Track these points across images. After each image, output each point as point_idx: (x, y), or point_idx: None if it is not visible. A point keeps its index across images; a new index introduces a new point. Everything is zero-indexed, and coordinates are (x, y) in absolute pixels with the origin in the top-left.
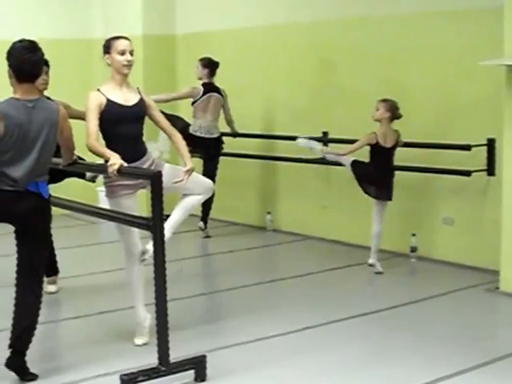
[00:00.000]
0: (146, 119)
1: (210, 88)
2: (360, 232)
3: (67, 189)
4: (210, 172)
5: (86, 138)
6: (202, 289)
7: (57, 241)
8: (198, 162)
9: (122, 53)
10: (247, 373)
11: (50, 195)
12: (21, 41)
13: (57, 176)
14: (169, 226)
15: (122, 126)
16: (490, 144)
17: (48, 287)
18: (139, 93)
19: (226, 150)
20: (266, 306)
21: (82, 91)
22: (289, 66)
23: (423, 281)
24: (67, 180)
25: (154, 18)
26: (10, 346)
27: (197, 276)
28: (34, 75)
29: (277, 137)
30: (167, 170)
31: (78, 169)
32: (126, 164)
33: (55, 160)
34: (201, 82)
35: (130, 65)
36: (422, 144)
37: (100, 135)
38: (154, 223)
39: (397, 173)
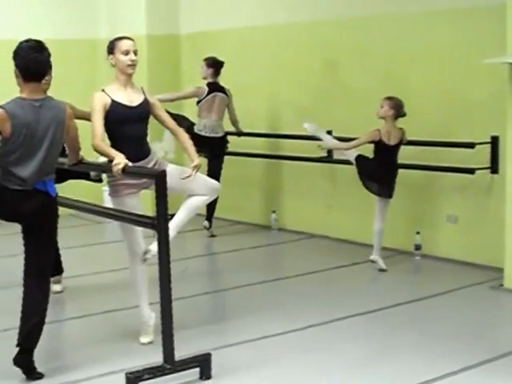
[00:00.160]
0: (151, 119)
1: (214, 87)
2: (364, 230)
3: (73, 189)
4: (214, 171)
5: (92, 139)
6: (207, 287)
7: (62, 240)
8: (203, 162)
9: (126, 53)
10: (251, 371)
11: (57, 194)
12: (27, 40)
13: (62, 176)
14: (173, 226)
15: (127, 127)
16: (494, 142)
17: (53, 286)
18: (143, 93)
19: (230, 149)
20: (271, 304)
21: (86, 91)
22: (293, 66)
23: (427, 278)
24: (72, 180)
25: (158, 17)
26: (18, 345)
27: (201, 275)
28: (40, 75)
29: (281, 136)
30: (171, 171)
31: (82, 168)
32: (130, 163)
33: (60, 160)
34: (205, 81)
35: (134, 65)
36: (426, 142)
37: (105, 135)
38: (158, 222)
39: (401, 171)
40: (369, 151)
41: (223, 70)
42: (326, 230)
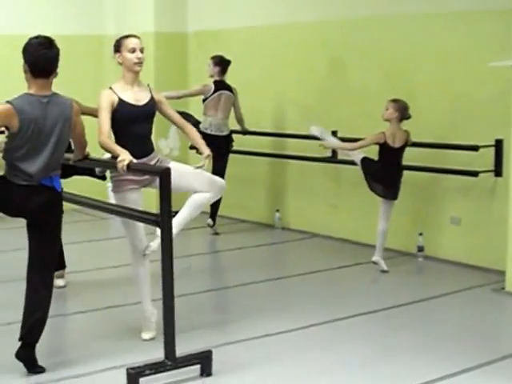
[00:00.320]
0: (158, 115)
1: (220, 86)
2: (368, 231)
3: (77, 184)
4: (219, 170)
5: (98, 136)
6: (210, 285)
7: (66, 235)
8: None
9: (133, 51)
10: (252, 368)
11: (62, 189)
12: (37, 37)
13: (67, 171)
14: (176, 223)
15: (133, 125)
16: (498, 145)
17: (56, 281)
18: (150, 91)
19: (235, 147)
20: (273, 303)
21: (93, 88)
22: (298, 65)
23: (429, 280)
24: (77, 176)
25: (166, 15)
26: (21, 339)
27: (204, 272)
28: (48, 71)
29: (286, 135)
30: (174, 169)
31: (87, 164)
32: (135, 160)
33: (66, 155)
34: (212, 79)
35: (140, 62)
36: (430, 144)
37: (111, 132)
38: (162, 219)
39: (405, 172)
40: (374, 153)
41: (230, 69)
42: (329, 229)
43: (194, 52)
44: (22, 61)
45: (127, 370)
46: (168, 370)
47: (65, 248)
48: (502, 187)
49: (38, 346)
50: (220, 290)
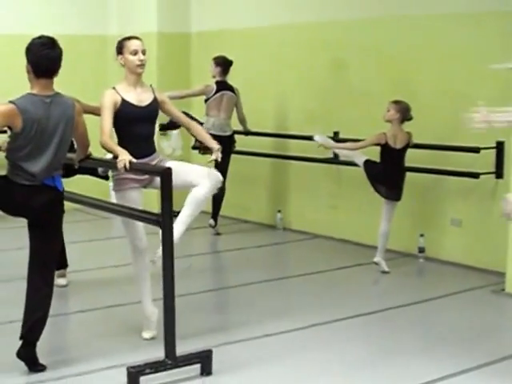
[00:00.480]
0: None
1: (223, 86)
2: (369, 232)
3: (80, 184)
4: (221, 170)
5: (100, 135)
6: (211, 285)
7: (68, 235)
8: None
9: (135, 53)
10: (252, 368)
11: (64, 189)
12: (39, 37)
13: (70, 171)
14: (180, 222)
15: (135, 126)
16: (499, 147)
17: (57, 280)
18: (153, 91)
19: (237, 147)
20: (273, 303)
21: (96, 87)
22: (301, 66)
23: (430, 281)
24: (80, 175)
25: (169, 15)
26: (22, 337)
27: (205, 272)
28: (51, 71)
29: (288, 136)
30: (172, 166)
31: (89, 164)
32: (134, 160)
33: (68, 155)
34: (214, 80)
35: (142, 64)
36: (432, 145)
37: (113, 132)
38: (163, 219)
39: (406, 173)
40: (376, 155)
41: (232, 69)
42: (330, 230)
43: (197, 52)
44: (24, 61)
45: (128, 368)
46: (168, 369)
47: (67, 247)
48: (503, 189)
49: (39, 344)
50: (221, 290)
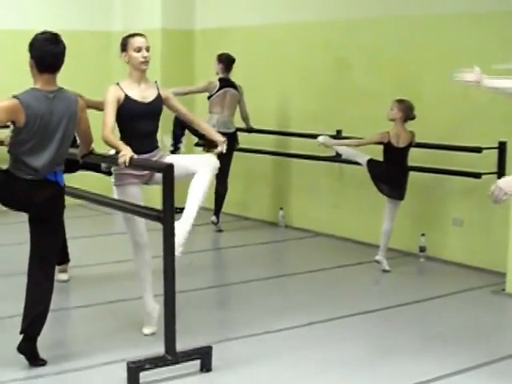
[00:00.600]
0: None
1: (226, 83)
2: (370, 230)
3: (82, 179)
4: (223, 167)
5: (102, 130)
6: (212, 282)
7: (70, 230)
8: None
9: (138, 50)
10: (252, 365)
11: (65, 184)
12: (43, 33)
13: (73, 166)
14: (189, 213)
15: (138, 122)
16: (501, 147)
17: (59, 275)
18: (157, 88)
19: (240, 145)
20: (274, 300)
21: (101, 82)
22: (303, 64)
23: (430, 281)
24: (82, 171)
25: (173, 12)
26: (22, 332)
27: (207, 269)
28: (55, 67)
29: (290, 134)
30: (172, 159)
31: (91, 159)
32: (136, 156)
33: (71, 150)
34: (218, 76)
35: (146, 61)
36: (434, 145)
37: (116, 128)
38: (164, 215)
39: (409, 173)
40: (379, 154)
41: (236, 66)
42: (332, 228)
43: (201, 49)
44: (28, 56)
45: (128, 363)
46: (168, 364)
47: (69, 242)
48: None
49: (39, 339)
50: (222, 287)
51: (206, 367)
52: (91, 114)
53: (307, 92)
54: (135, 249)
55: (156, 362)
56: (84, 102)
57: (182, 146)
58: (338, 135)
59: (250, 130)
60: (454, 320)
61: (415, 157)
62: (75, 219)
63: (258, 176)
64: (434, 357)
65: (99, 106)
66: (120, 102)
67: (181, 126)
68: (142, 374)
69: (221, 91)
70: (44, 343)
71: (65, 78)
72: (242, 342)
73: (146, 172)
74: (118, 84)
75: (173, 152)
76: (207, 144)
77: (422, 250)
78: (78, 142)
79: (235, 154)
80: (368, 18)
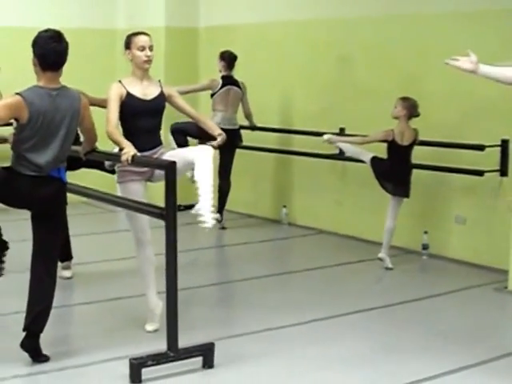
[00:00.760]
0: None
1: (228, 81)
2: (373, 228)
3: (86, 177)
4: (227, 163)
5: (106, 125)
6: (215, 279)
7: (74, 228)
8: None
9: (142, 48)
10: (254, 362)
11: (67, 180)
12: (46, 30)
13: (76, 164)
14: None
15: (140, 119)
16: (504, 145)
17: (63, 272)
18: (160, 86)
19: (243, 142)
20: (276, 297)
21: (104, 81)
22: (307, 62)
23: (432, 278)
24: (85, 169)
25: (177, 9)
26: (25, 329)
27: (210, 266)
28: (58, 64)
29: (294, 131)
30: (172, 154)
31: (94, 157)
32: (138, 153)
33: (74, 147)
34: (220, 74)
35: (149, 60)
36: (437, 143)
37: (119, 125)
38: (167, 212)
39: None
40: (383, 152)
41: (240, 64)
42: (335, 226)
43: (205, 47)
44: (31, 54)
45: (130, 360)
46: (170, 361)
47: (72, 240)
48: (507, 187)
49: (42, 335)
50: (225, 284)
51: (207, 364)
52: (94, 111)
53: (310, 90)
54: (138, 246)
55: (158, 359)
56: (87, 99)
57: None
58: (341, 133)
59: (253, 128)
60: (455, 318)
61: (418, 154)
62: (79, 217)
63: (262, 174)
64: (436, 354)
65: (102, 104)
66: (122, 99)
67: (183, 134)
68: (144, 371)
69: (224, 89)
70: (47, 340)
71: (69, 76)
72: (245, 339)
73: (147, 169)
74: (120, 81)
75: None
76: (205, 137)
77: (425, 247)
78: (82, 139)
79: (239, 151)
80: (371, 17)
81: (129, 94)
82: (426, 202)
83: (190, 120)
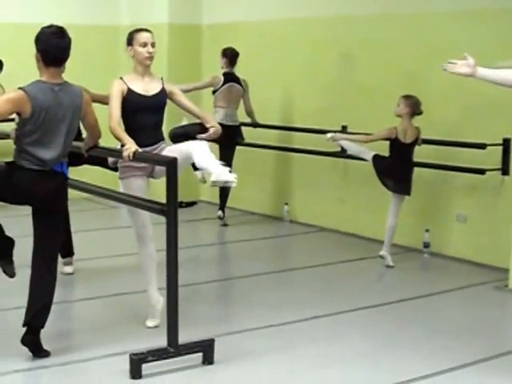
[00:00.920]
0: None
1: (230, 78)
2: (375, 226)
3: (87, 173)
4: (228, 158)
5: (109, 121)
6: (216, 275)
7: (76, 224)
8: (215, 149)
9: (144, 45)
10: (254, 358)
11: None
12: (49, 26)
13: (78, 160)
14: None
15: (140, 115)
16: (506, 144)
17: (64, 268)
18: (162, 82)
19: (244, 140)
20: (277, 294)
21: (107, 77)
22: (310, 60)
23: (433, 276)
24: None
25: (181, 6)
26: (26, 324)
27: (212, 263)
28: (61, 60)
29: (297, 129)
30: (171, 149)
31: (95, 153)
32: (140, 149)
33: (76, 143)
34: (222, 71)
35: (151, 56)
36: (438, 141)
37: (121, 121)
38: (168, 208)
39: (414, 168)
40: (385, 150)
41: (242, 62)
42: (336, 223)
43: (208, 44)
44: (34, 50)
45: (130, 355)
46: (170, 356)
47: (74, 236)
48: (509, 186)
49: (44, 330)
50: (225, 281)
51: (208, 360)
52: (96, 108)
53: (313, 87)
54: (139, 242)
55: (158, 354)
56: (89, 95)
57: None
58: (343, 131)
59: (255, 125)
60: (456, 316)
61: (420, 153)
62: (81, 213)
63: (264, 171)
64: (436, 352)
65: (104, 100)
66: (123, 95)
67: (184, 137)
68: (144, 366)
69: (225, 86)
70: (48, 334)
71: (72, 73)
72: (245, 335)
73: (144, 164)
74: (121, 78)
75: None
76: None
77: (426, 245)
78: (84, 135)
79: (241, 149)
80: (372, 15)
81: (130, 91)
82: (427, 200)
83: (186, 123)
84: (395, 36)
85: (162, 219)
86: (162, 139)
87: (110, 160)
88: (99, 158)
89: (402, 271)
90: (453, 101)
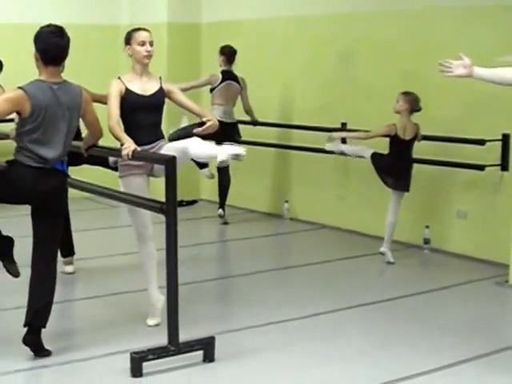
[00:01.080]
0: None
1: (228, 76)
2: (375, 223)
3: (88, 172)
4: None
5: (108, 120)
6: (216, 273)
7: (77, 223)
8: None
9: (142, 44)
10: (255, 356)
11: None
12: (48, 26)
13: (75, 160)
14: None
15: (138, 115)
16: (505, 139)
17: (65, 268)
18: (160, 81)
19: (245, 137)
20: (278, 292)
21: (107, 77)
22: (309, 57)
23: (434, 272)
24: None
25: (180, 5)
26: (27, 324)
27: (212, 261)
28: (59, 59)
29: (296, 126)
30: (169, 146)
31: (94, 152)
32: (139, 148)
33: (75, 143)
34: (220, 69)
35: (149, 55)
36: (438, 137)
37: (120, 121)
38: (167, 207)
39: (413, 165)
40: (384, 147)
41: (242, 60)
42: (337, 221)
43: (207, 43)
44: (32, 49)
45: (131, 354)
46: (171, 355)
47: (74, 235)
48: (508, 181)
49: (44, 329)
50: (226, 279)
51: (208, 358)
52: (96, 108)
53: (312, 85)
54: (140, 240)
55: (159, 353)
56: (88, 94)
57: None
58: (342, 128)
59: (255, 123)
60: (456, 312)
61: (419, 149)
62: (81, 212)
63: (264, 169)
64: (436, 348)
65: (103, 100)
66: (121, 95)
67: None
68: (145, 365)
69: (223, 83)
70: (49, 334)
71: (72, 72)
72: (245, 333)
73: (142, 163)
74: (119, 78)
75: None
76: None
77: (426, 242)
78: (83, 135)
79: (240, 146)
80: (371, 12)
81: (128, 90)
82: (427, 196)
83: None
84: (394, 33)
85: (163, 218)
86: (161, 137)
87: (111, 159)
88: (99, 157)
89: (403, 267)
90: (452, 97)
